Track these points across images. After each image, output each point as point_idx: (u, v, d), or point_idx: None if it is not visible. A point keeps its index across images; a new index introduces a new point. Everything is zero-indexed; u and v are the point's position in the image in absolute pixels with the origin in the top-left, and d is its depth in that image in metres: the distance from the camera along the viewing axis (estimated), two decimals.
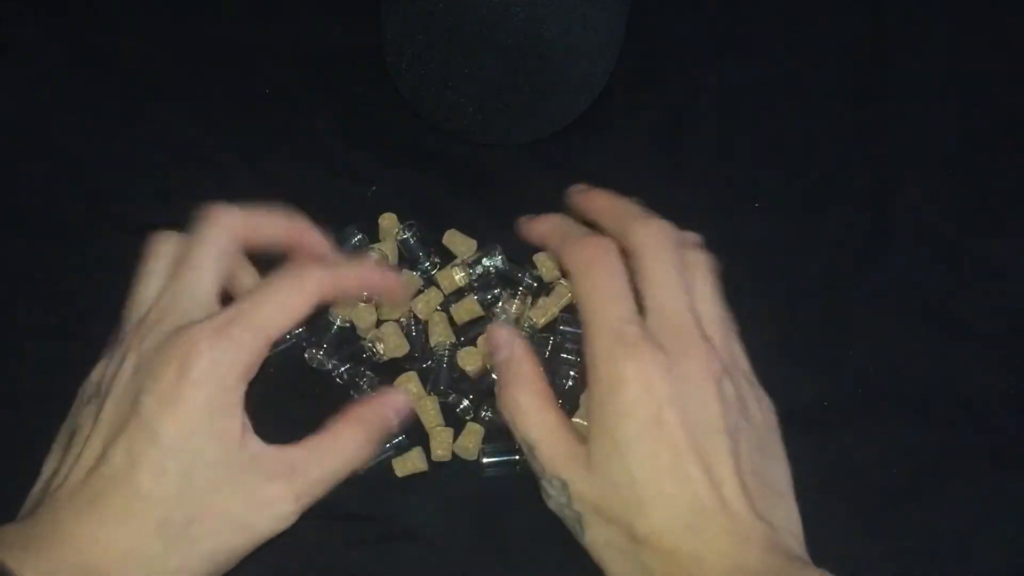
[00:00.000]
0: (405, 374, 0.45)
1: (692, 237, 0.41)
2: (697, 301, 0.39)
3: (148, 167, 0.52)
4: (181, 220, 0.50)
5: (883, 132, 0.54)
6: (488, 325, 0.42)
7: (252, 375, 0.37)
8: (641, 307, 0.38)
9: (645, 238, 0.39)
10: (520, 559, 0.42)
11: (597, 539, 0.37)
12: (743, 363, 0.41)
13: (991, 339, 0.49)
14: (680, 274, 0.39)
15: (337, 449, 0.38)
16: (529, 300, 0.47)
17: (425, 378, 0.46)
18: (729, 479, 0.36)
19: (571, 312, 0.47)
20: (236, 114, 0.54)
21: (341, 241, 0.47)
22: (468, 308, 0.46)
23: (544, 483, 0.38)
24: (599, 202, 0.42)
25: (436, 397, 0.45)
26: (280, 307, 0.37)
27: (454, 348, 0.46)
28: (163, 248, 0.40)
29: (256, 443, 0.37)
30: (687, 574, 0.35)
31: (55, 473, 0.37)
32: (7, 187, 0.51)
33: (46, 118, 0.53)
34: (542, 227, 0.43)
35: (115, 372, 0.37)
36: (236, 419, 0.36)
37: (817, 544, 0.44)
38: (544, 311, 0.46)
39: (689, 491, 0.35)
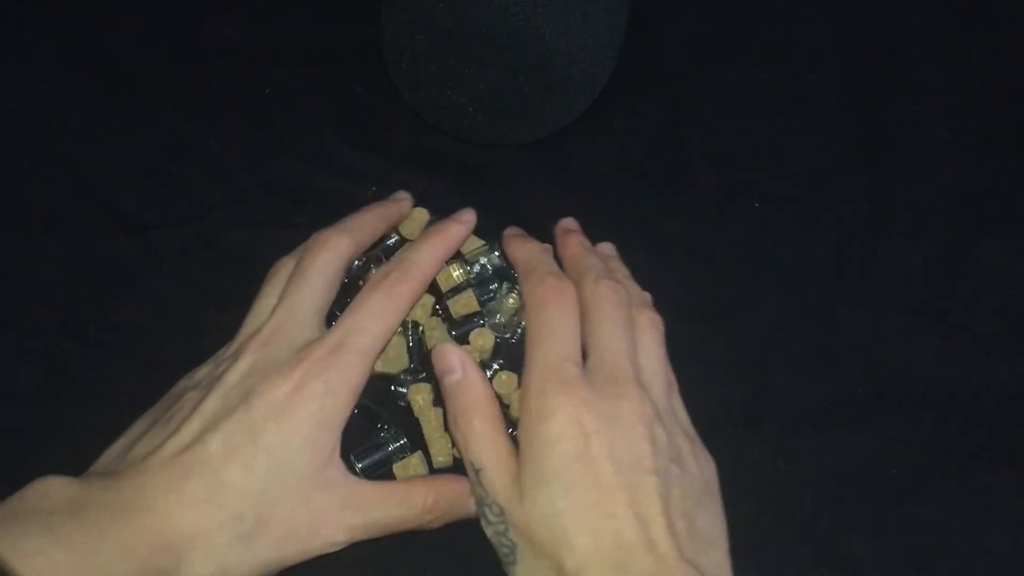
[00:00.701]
0: (416, 384, 0.45)
1: (643, 297, 0.44)
2: (640, 355, 0.41)
3: (148, 167, 0.52)
4: (181, 220, 0.51)
5: (883, 132, 0.54)
6: (436, 347, 0.42)
7: (358, 395, 0.40)
8: (585, 355, 0.40)
9: (595, 296, 0.41)
10: None
11: (528, 572, 0.38)
12: (683, 419, 0.42)
13: (990, 338, 0.49)
14: (624, 328, 0.41)
15: (405, 505, 0.40)
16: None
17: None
18: (657, 519, 0.36)
19: None
20: (236, 114, 0.54)
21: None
22: (465, 303, 0.46)
23: (485, 509, 0.39)
24: (569, 250, 0.45)
25: (440, 409, 0.45)
26: (382, 327, 0.41)
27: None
28: (280, 272, 0.44)
29: (339, 467, 0.39)
30: None
31: (140, 440, 0.39)
32: (7, 187, 0.51)
33: (46, 118, 0.53)
34: (517, 252, 0.45)
35: (227, 369, 0.40)
36: (332, 439, 0.39)
37: (817, 544, 0.44)
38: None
39: (615, 527, 0.36)
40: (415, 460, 0.44)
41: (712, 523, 0.39)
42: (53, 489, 0.36)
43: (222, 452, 0.37)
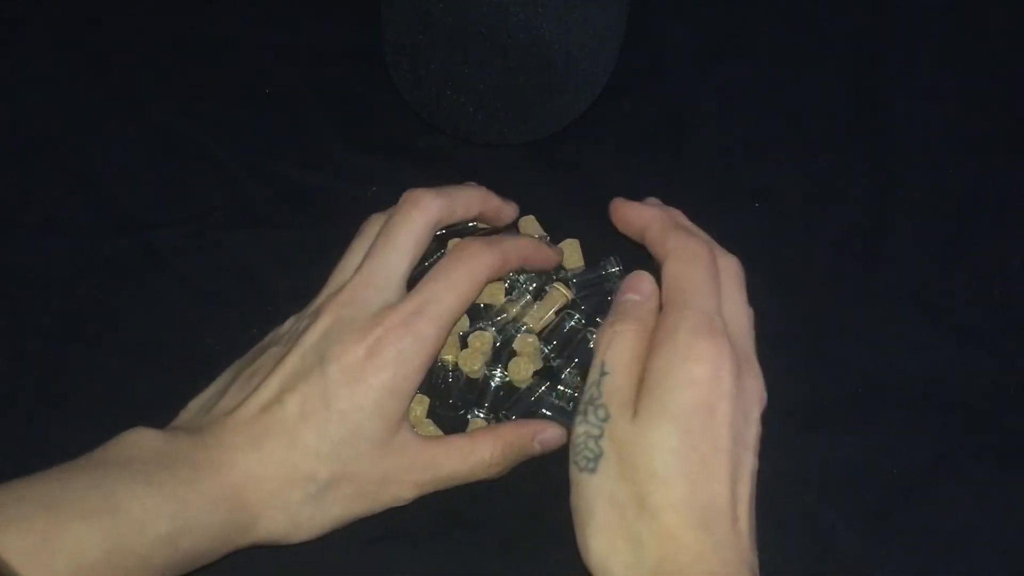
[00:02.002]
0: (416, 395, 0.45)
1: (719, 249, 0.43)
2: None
3: (148, 167, 0.52)
4: (181, 220, 0.51)
5: (883, 132, 0.54)
6: (635, 272, 0.42)
7: (431, 364, 0.41)
8: None
9: (725, 269, 0.42)
10: (519, 560, 0.42)
11: (602, 486, 0.37)
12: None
13: (991, 339, 0.49)
14: (747, 310, 0.42)
15: (472, 459, 0.41)
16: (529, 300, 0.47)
17: (434, 395, 0.46)
18: (745, 499, 0.37)
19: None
20: (236, 114, 0.54)
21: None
22: (490, 292, 0.46)
23: (589, 408, 0.38)
24: (649, 215, 0.44)
25: (432, 422, 0.45)
26: (457, 297, 0.41)
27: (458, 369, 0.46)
28: (370, 229, 0.43)
29: (408, 430, 0.41)
30: (680, 562, 0.35)
31: (224, 394, 0.41)
32: (7, 187, 0.51)
33: (46, 118, 0.53)
34: (642, 217, 0.44)
35: (306, 328, 0.40)
36: (403, 405, 0.40)
37: (817, 543, 0.44)
38: (539, 317, 0.46)
39: (713, 488, 0.36)
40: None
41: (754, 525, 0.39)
42: (144, 440, 0.38)
43: (298, 414, 0.39)
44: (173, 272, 0.49)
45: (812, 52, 0.57)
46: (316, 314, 0.41)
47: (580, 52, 0.48)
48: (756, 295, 0.49)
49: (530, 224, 0.49)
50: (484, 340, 0.45)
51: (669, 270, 0.40)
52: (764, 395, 0.39)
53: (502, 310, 0.46)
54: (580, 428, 0.38)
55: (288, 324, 0.43)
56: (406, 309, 0.40)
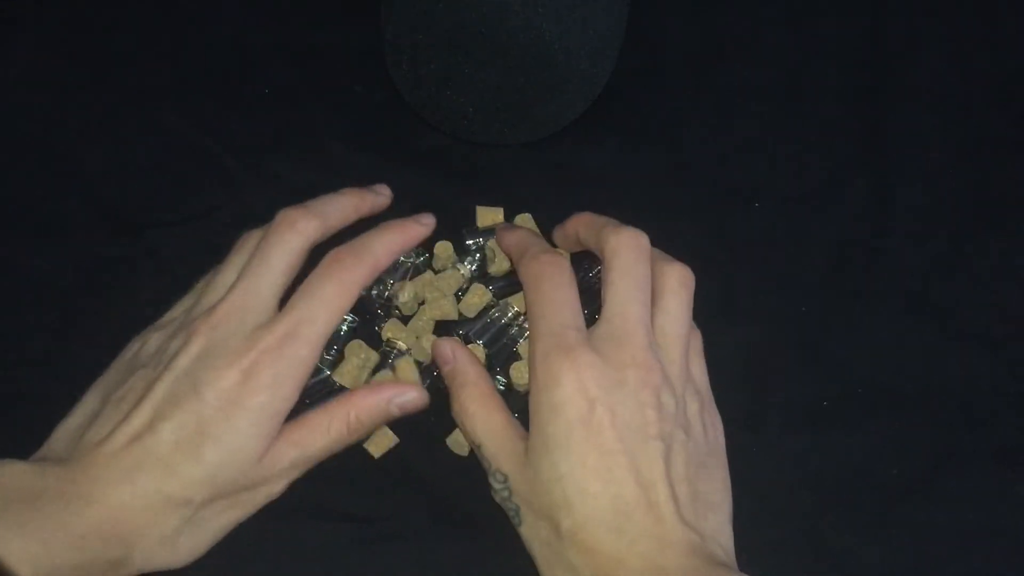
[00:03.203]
0: (355, 342, 0.45)
1: (665, 255, 0.44)
2: (659, 315, 0.41)
3: (148, 167, 0.52)
4: (181, 220, 0.51)
5: (883, 132, 0.54)
6: (434, 341, 0.44)
7: (305, 383, 0.40)
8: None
9: (616, 246, 0.41)
10: (519, 560, 0.42)
11: (530, 533, 0.39)
12: (700, 381, 0.42)
13: (991, 339, 0.49)
14: (639, 287, 0.41)
15: (331, 432, 0.41)
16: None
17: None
18: (659, 483, 0.37)
19: None
20: (236, 114, 0.54)
21: None
22: (476, 302, 0.46)
23: (490, 478, 0.40)
24: (583, 218, 0.45)
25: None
26: (330, 313, 0.40)
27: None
28: (245, 246, 0.43)
29: (280, 440, 0.40)
30: (606, 573, 0.36)
31: (94, 423, 0.40)
32: (7, 187, 0.51)
33: (47, 118, 0.53)
34: (508, 240, 0.45)
35: (178, 350, 0.40)
36: (278, 425, 0.40)
37: (817, 544, 0.44)
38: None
39: (614, 491, 0.37)
40: (379, 434, 0.44)
41: (715, 488, 0.40)
42: (8, 475, 0.37)
43: (173, 442, 0.38)
44: (173, 272, 0.49)
45: (812, 52, 0.57)
46: (187, 335, 0.40)
47: (580, 52, 0.48)
48: (755, 295, 0.50)
49: (526, 222, 0.49)
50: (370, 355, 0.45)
51: (525, 297, 0.42)
52: (652, 371, 0.39)
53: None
54: (495, 495, 0.40)
55: (154, 340, 0.42)
56: (279, 330, 0.39)
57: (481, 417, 0.40)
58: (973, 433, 0.46)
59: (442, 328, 0.47)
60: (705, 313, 0.48)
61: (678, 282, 0.42)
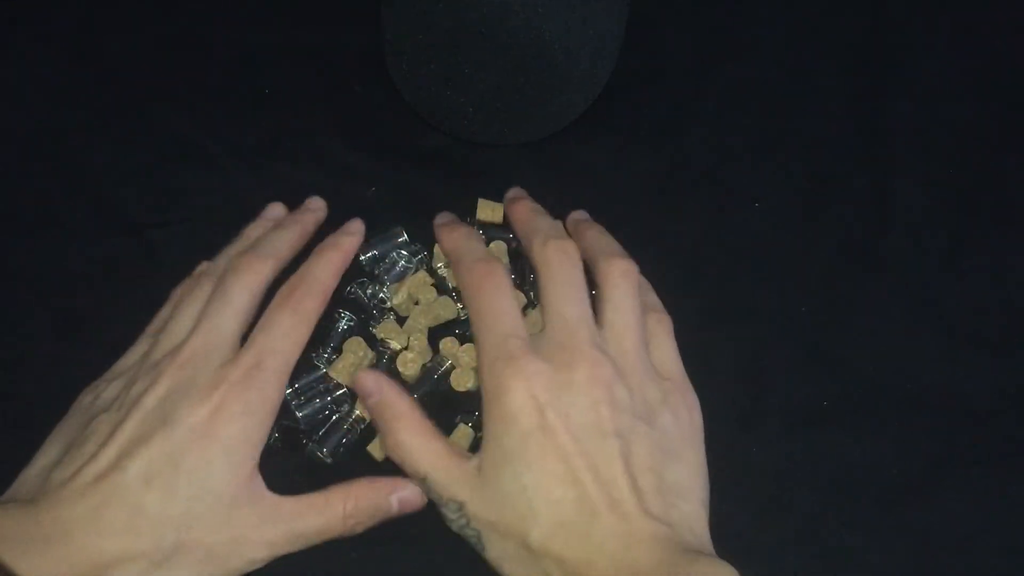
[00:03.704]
0: (354, 338, 0.45)
1: (613, 247, 0.44)
2: (607, 310, 0.41)
3: (148, 167, 0.52)
4: (181, 220, 0.51)
5: (883, 132, 0.54)
6: (357, 373, 0.43)
7: (276, 413, 0.41)
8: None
9: (542, 258, 0.42)
10: None
11: (498, 555, 0.39)
12: (668, 367, 0.42)
13: (991, 339, 0.49)
14: (574, 288, 0.41)
15: (325, 514, 0.40)
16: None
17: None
18: (619, 479, 0.37)
19: None
20: (236, 114, 0.53)
21: (386, 239, 0.48)
22: (441, 312, 0.46)
23: (443, 510, 0.40)
24: (516, 215, 0.46)
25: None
26: (292, 343, 0.41)
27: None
28: (200, 290, 0.43)
29: (259, 484, 0.40)
30: None
31: (58, 466, 0.38)
32: (7, 187, 0.51)
33: (46, 118, 0.53)
34: (445, 243, 0.46)
35: (143, 391, 0.39)
36: (252, 459, 0.39)
37: (817, 544, 0.44)
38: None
39: (576, 493, 0.36)
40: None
41: (686, 473, 0.40)
42: None
43: (142, 478, 0.37)
44: (173, 272, 0.49)
45: (812, 52, 0.57)
46: (153, 377, 0.40)
47: (580, 52, 0.48)
48: (755, 295, 0.50)
49: (500, 251, 0.48)
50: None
51: (465, 306, 0.42)
52: (601, 366, 0.39)
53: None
54: (451, 526, 0.40)
55: (111, 389, 0.42)
56: (244, 363, 0.40)
57: (419, 447, 0.40)
58: (973, 433, 0.46)
59: (440, 329, 0.47)
60: (705, 313, 0.48)
61: (619, 274, 0.42)
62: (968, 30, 0.57)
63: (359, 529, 0.41)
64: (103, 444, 0.38)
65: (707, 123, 0.54)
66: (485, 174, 0.52)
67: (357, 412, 0.45)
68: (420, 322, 0.46)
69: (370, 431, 0.45)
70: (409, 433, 0.40)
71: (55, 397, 0.45)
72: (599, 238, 0.46)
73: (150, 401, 0.39)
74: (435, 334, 0.47)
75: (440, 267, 0.48)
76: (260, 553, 0.39)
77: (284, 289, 0.43)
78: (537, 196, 0.51)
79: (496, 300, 0.41)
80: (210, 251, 0.50)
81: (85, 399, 0.43)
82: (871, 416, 0.46)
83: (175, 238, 0.50)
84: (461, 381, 0.45)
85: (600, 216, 0.49)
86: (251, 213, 0.51)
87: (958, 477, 0.45)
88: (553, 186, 0.52)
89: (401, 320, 0.47)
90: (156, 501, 0.37)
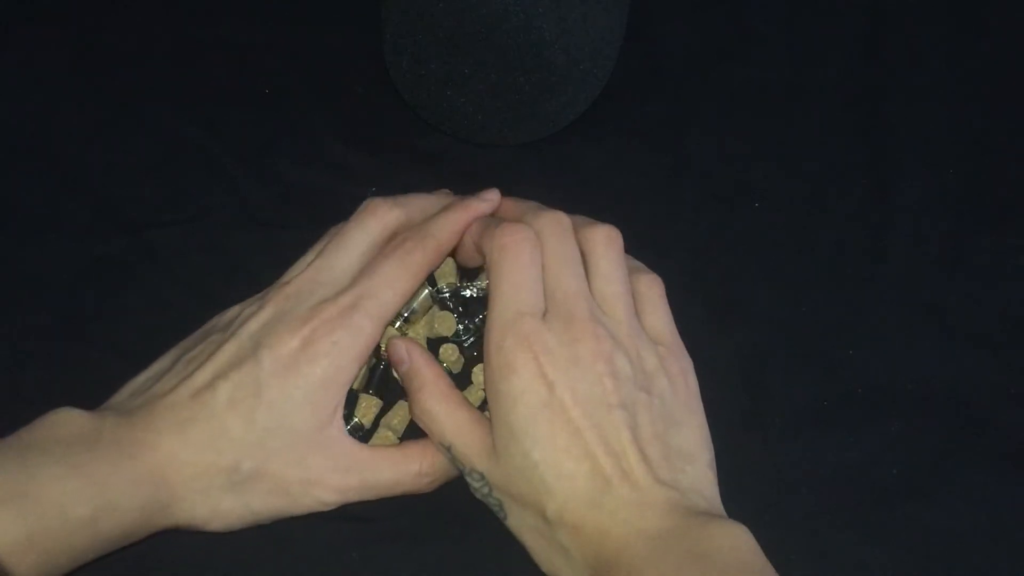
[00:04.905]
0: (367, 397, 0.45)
1: (585, 219, 0.44)
2: (595, 280, 0.41)
3: (148, 167, 0.52)
4: (181, 220, 0.51)
5: (883, 132, 0.54)
6: (389, 340, 0.43)
7: (365, 358, 0.41)
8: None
9: (541, 228, 0.42)
10: (520, 561, 0.42)
11: (517, 523, 0.39)
12: (660, 331, 0.42)
13: (991, 339, 0.49)
14: (570, 261, 0.41)
15: (400, 469, 0.41)
16: None
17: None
18: (628, 450, 0.37)
19: None
20: (236, 114, 0.54)
21: None
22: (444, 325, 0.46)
23: (467, 478, 0.40)
24: (504, 204, 0.45)
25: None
26: (394, 292, 0.41)
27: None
28: (333, 231, 0.44)
29: (339, 428, 0.40)
30: (595, 547, 0.36)
31: (161, 378, 0.41)
32: (7, 187, 0.51)
33: (46, 118, 0.53)
34: (468, 247, 0.44)
35: (249, 317, 0.41)
36: (334, 400, 0.40)
37: (817, 543, 0.44)
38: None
39: (588, 466, 0.37)
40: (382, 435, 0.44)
41: (689, 437, 0.40)
42: (69, 421, 0.38)
43: (227, 401, 0.39)
44: (173, 272, 0.49)
45: (812, 52, 0.57)
46: (261, 304, 0.41)
47: (580, 52, 0.48)
48: (755, 295, 0.49)
49: None
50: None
51: (488, 274, 0.41)
52: (601, 340, 0.39)
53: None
54: (477, 495, 0.40)
55: (232, 311, 0.43)
56: (342, 302, 0.40)
57: (444, 416, 0.40)
58: (973, 433, 0.46)
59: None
60: (705, 313, 0.48)
61: (604, 242, 0.42)
62: (968, 30, 0.57)
63: (431, 487, 0.42)
64: (203, 363, 0.40)
65: (707, 123, 0.54)
66: (485, 174, 0.52)
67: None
68: (419, 333, 0.46)
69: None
70: (434, 401, 0.41)
71: (55, 397, 0.45)
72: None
73: (251, 326, 0.40)
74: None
75: (443, 285, 0.46)
76: (331, 497, 0.40)
77: (399, 238, 0.43)
78: (537, 196, 0.51)
79: (513, 270, 0.40)
80: (210, 251, 0.50)
81: (212, 320, 0.44)
82: (871, 416, 0.46)
83: (175, 238, 0.50)
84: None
85: (600, 216, 0.49)
86: (251, 213, 0.51)
87: (958, 477, 0.45)
88: (553, 186, 0.52)
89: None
90: (238, 425, 0.39)
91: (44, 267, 0.49)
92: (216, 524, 0.40)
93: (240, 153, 0.52)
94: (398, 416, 0.44)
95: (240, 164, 0.52)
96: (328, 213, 0.50)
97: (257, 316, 0.41)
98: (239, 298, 0.46)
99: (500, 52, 0.47)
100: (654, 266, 0.47)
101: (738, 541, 0.36)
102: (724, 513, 0.39)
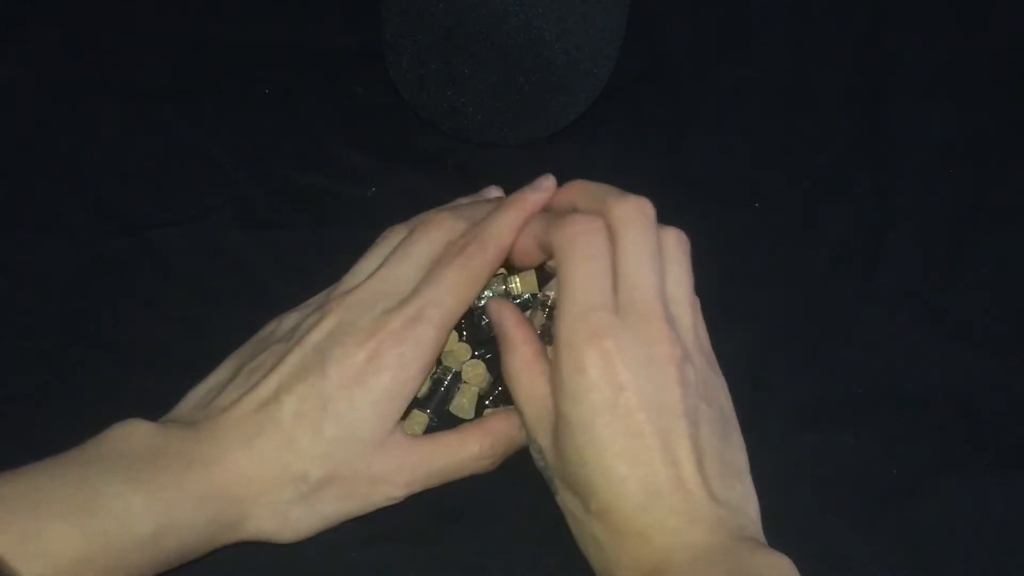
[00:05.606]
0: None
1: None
2: (668, 282, 0.40)
3: (148, 167, 0.52)
4: (181, 220, 0.51)
5: (883, 132, 0.54)
6: (487, 302, 0.43)
7: (432, 366, 0.41)
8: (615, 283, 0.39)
9: (623, 215, 0.40)
10: (521, 561, 0.42)
11: (563, 504, 0.39)
12: (707, 346, 0.42)
13: (991, 339, 0.49)
14: (652, 255, 0.40)
15: (462, 451, 0.41)
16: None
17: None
18: (687, 460, 0.37)
19: None
20: (236, 114, 0.54)
21: None
22: (528, 281, 0.45)
23: (530, 446, 0.40)
24: (575, 188, 0.44)
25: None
26: (457, 299, 0.41)
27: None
28: (390, 239, 0.44)
29: (400, 431, 0.41)
30: (632, 550, 0.36)
31: (225, 388, 0.41)
32: (7, 187, 0.51)
33: (46, 118, 0.53)
34: (530, 239, 0.43)
35: (311, 327, 0.41)
36: (400, 408, 0.40)
37: (817, 544, 0.44)
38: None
39: (643, 472, 0.36)
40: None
41: (738, 455, 0.40)
42: (135, 434, 0.38)
43: (294, 414, 0.39)
44: (173, 272, 0.49)
45: (812, 52, 0.57)
46: (322, 314, 0.41)
47: (580, 52, 0.48)
48: (756, 295, 0.49)
49: (527, 281, 0.48)
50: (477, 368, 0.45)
51: (556, 265, 0.40)
52: (676, 345, 0.38)
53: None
54: (536, 465, 0.40)
55: (291, 319, 0.43)
56: (407, 313, 0.40)
57: (523, 383, 0.40)
58: (973, 433, 0.46)
59: None
60: (705, 313, 0.48)
61: (676, 243, 0.41)
62: (968, 30, 0.57)
63: (494, 466, 0.42)
64: (266, 375, 0.40)
65: (707, 123, 0.54)
66: (485, 174, 0.52)
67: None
68: (450, 364, 0.45)
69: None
70: (521, 364, 0.40)
71: (55, 397, 0.45)
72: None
73: (314, 338, 0.40)
74: None
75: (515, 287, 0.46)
76: (398, 492, 0.41)
77: (458, 242, 0.42)
78: None
79: (585, 263, 0.38)
80: (210, 251, 0.50)
81: (269, 326, 0.44)
82: (871, 416, 0.46)
83: (175, 238, 0.50)
84: (463, 408, 0.45)
85: None
86: (251, 213, 0.51)
87: (958, 477, 0.45)
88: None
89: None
90: (305, 437, 0.39)
91: (44, 267, 0.49)
92: (287, 535, 0.40)
93: (240, 153, 0.52)
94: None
95: (240, 164, 0.52)
96: (328, 213, 0.50)
97: (320, 327, 0.40)
98: (238, 298, 0.46)
99: (500, 52, 0.47)
100: None
101: (783, 573, 0.35)
102: (763, 538, 0.38)
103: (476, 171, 0.52)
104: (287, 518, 0.39)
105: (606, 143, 0.53)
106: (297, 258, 0.49)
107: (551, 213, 0.43)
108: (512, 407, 0.44)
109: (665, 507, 0.36)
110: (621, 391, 0.36)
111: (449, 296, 0.41)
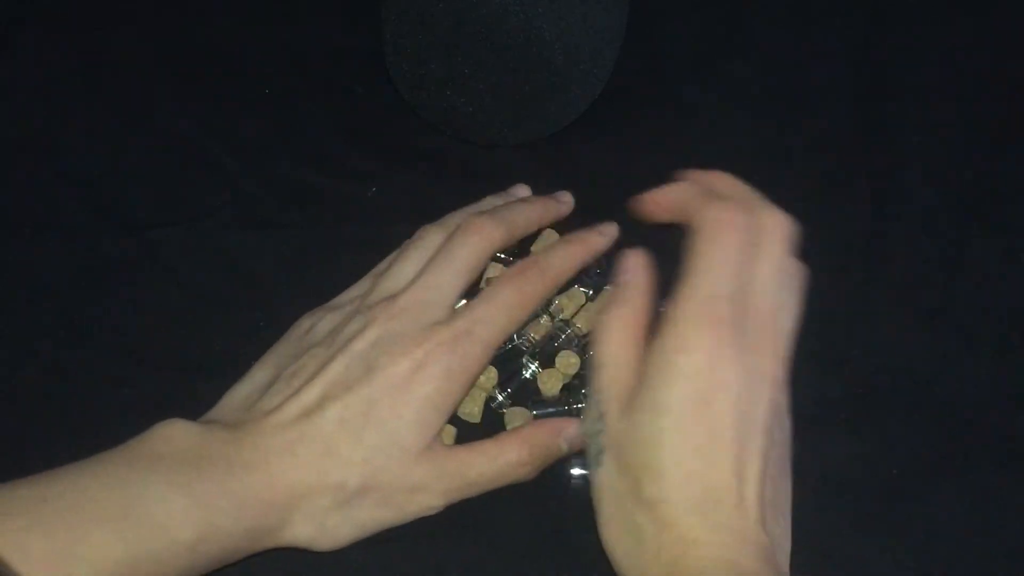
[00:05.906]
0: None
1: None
2: (785, 312, 0.40)
3: (148, 167, 0.52)
4: (181, 220, 0.51)
5: (883, 132, 0.54)
6: (624, 252, 0.41)
7: (475, 381, 0.42)
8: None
9: (776, 228, 0.40)
10: (522, 561, 0.42)
11: (605, 480, 0.38)
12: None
13: (991, 339, 0.49)
14: (788, 274, 0.39)
15: (499, 462, 0.41)
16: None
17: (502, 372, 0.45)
18: (753, 479, 0.36)
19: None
20: (236, 114, 0.54)
21: None
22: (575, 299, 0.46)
23: (591, 403, 0.39)
24: (726, 181, 0.43)
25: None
26: (508, 318, 0.41)
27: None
28: (427, 241, 0.44)
29: (439, 441, 0.40)
30: (673, 550, 0.35)
31: (266, 393, 0.41)
32: (7, 188, 0.51)
33: (46, 118, 0.53)
34: (671, 199, 0.42)
35: (355, 334, 0.41)
36: (442, 420, 0.40)
37: (817, 543, 0.44)
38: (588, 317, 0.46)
39: (712, 476, 0.35)
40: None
41: (786, 491, 0.39)
42: (177, 435, 0.38)
43: (337, 422, 0.39)
44: (173, 272, 0.49)
45: (812, 52, 0.57)
46: (366, 321, 0.41)
47: (580, 52, 0.48)
48: None
49: (551, 236, 0.48)
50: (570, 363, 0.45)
51: (691, 248, 0.38)
52: (780, 366, 0.37)
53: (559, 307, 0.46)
54: (586, 425, 0.39)
55: (328, 320, 0.43)
56: (457, 327, 0.40)
57: (614, 341, 0.39)
58: (973, 433, 0.46)
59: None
60: None
61: (799, 282, 0.41)
62: (969, 30, 0.57)
63: (532, 475, 0.42)
64: (309, 381, 0.40)
65: (707, 123, 0.54)
66: (485, 174, 0.52)
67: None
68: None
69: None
70: (619, 322, 0.39)
71: (55, 397, 0.45)
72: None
73: (359, 346, 0.40)
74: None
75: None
76: (436, 501, 0.41)
77: (517, 266, 0.43)
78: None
79: (723, 254, 0.38)
80: (210, 251, 0.50)
81: (303, 324, 0.44)
82: (871, 416, 0.46)
83: (175, 238, 0.50)
84: (550, 384, 0.44)
85: (600, 216, 0.49)
86: (251, 213, 0.51)
87: (958, 477, 0.45)
88: (553, 186, 0.52)
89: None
90: (345, 445, 0.39)
91: (44, 267, 0.49)
92: (323, 543, 0.40)
93: (240, 153, 0.52)
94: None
95: (240, 164, 0.52)
96: (328, 213, 0.50)
97: (364, 335, 0.40)
98: (239, 298, 0.46)
99: (500, 52, 0.47)
100: (654, 267, 0.47)
101: None
102: None
103: (476, 171, 0.52)
104: (324, 525, 0.39)
105: (606, 143, 0.53)
106: (297, 258, 0.49)
107: (696, 187, 0.42)
108: (525, 410, 0.44)
109: (721, 518, 0.35)
110: (717, 387, 0.35)
111: (501, 316, 0.41)
